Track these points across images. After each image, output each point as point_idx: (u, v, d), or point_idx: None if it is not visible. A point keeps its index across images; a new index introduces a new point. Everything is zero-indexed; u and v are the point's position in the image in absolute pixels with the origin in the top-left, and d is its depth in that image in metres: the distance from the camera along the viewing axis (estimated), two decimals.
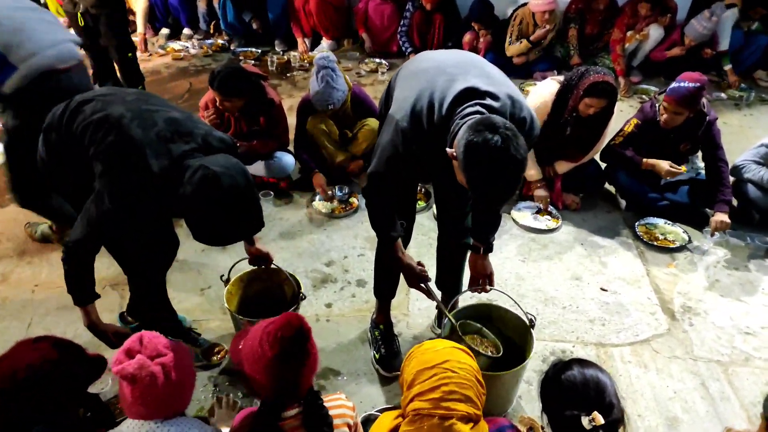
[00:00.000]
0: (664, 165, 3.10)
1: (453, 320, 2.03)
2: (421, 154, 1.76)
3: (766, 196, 3.14)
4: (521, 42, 4.89)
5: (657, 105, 3.10)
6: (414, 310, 2.67)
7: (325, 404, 1.51)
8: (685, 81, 2.93)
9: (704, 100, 3.03)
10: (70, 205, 2.16)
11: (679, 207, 3.27)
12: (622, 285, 2.86)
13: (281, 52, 5.50)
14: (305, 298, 2.31)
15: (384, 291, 2.38)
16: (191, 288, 2.75)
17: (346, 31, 5.71)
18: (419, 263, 2.02)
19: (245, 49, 5.56)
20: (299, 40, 5.48)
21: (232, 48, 5.63)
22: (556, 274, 2.92)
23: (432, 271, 2.28)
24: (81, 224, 1.79)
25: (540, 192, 3.32)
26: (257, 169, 3.40)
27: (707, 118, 3.04)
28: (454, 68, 1.77)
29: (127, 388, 1.37)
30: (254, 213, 1.73)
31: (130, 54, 4.09)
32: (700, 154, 3.26)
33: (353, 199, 3.41)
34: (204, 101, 3.35)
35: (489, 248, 2.12)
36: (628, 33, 4.82)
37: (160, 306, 2.22)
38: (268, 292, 2.41)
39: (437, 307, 2.48)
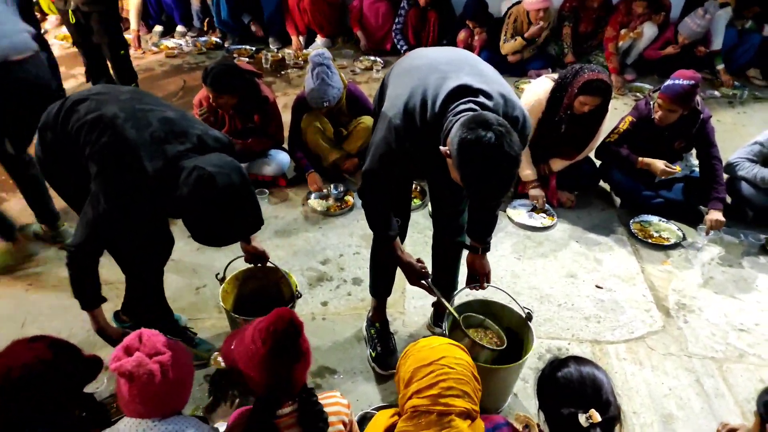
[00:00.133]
0: (659, 164, 3.12)
1: (456, 314, 2.03)
2: (415, 151, 1.76)
3: (759, 193, 3.16)
4: (516, 39, 4.90)
5: (652, 103, 3.11)
6: (410, 308, 2.67)
7: (320, 402, 1.51)
8: (680, 78, 2.94)
9: (698, 97, 3.05)
10: (69, 204, 2.15)
11: (674, 204, 3.28)
12: (617, 282, 2.87)
13: (275, 50, 5.48)
14: (301, 296, 2.31)
15: (380, 289, 2.38)
16: (186, 287, 2.74)
17: (340, 28, 5.69)
18: (419, 260, 2.02)
19: (239, 46, 5.53)
20: (293, 38, 5.47)
21: (226, 45, 5.61)
22: (551, 272, 2.93)
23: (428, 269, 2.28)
24: (80, 227, 1.79)
25: (535, 192, 3.32)
26: (252, 167, 3.39)
27: (701, 115, 3.05)
28: (446, 66, 1.77)
29: (124, 386, 1.37)
30: (252, 211, 1.73)
31: (122, 52, 4.06)
32: (694, 151, 3.28)
33: (348, 197, 3.40)
34: (198, 98, 3.34)
35: (486, 248, 2.12)
36: (622, 31, 4.84)
37: (156, 306, 2.22)
38: (263, 291, 2.40)
39: (433, 304, 2.50)
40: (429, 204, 3.19)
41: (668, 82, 2.99)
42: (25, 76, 2.33)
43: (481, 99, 1.65)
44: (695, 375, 2.38)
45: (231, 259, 2.31)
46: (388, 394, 2.25)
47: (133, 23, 5.13)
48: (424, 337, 1.89)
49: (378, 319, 2.43)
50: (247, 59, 5.26)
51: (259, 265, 2.29)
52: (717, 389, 2.32)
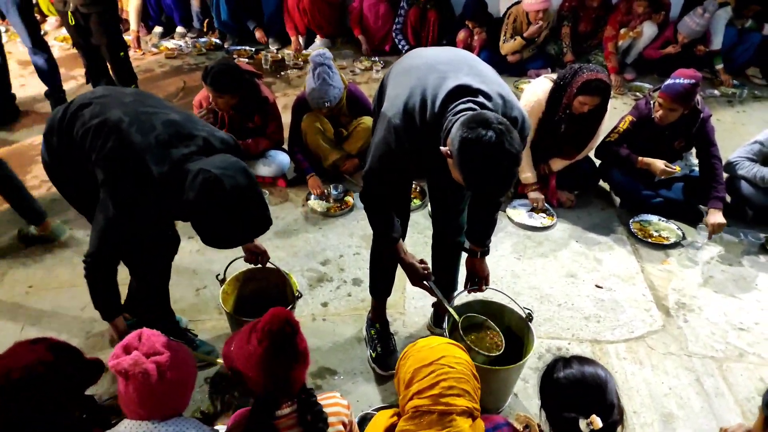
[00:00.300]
0: (659, 164, 3.12)
1: (456, 317, 2.04)
2: (414, 151, 1.76)
3: (759, 192, 3.16)
4: (515, 39, 4.90)
5: (652, 102, 3.11)
6: (410, 308, 2.67)
7: (319, 402, 1.51)
8: (680, 77, 2.94)
9: (698, 97, 3.04)
10: (75, 207, 2.15)
11: (673, 204, 3.28)
12: (617, 282, 2.87)
13: (275, 50, 5.48)
14: (301, 297, 2.31)
15: (380, 289, 2.38)
16: (186, 288, 2.74)
17: (340, 29, 5.69)
18: (421, 261, 2.03)
19: (239, 47, 5.54)
20: (293, 38, 5.47)
21: (225, 46, 5.61)
22: (551, 272, 2.93)
23: None
24: (93, 236, 1.80)
25: (534, 195, 3.32)
26: (251, 167, 3.39)
27: (701, 115, 3.05)
28: (445, 66, 1.77)
29: (122, 385, 1.37)
30: (260, 211, 1.71)
31: (122, 53, 4.07)
32: (693, 151, 3.27)
33: (348, 198, 3.40)
34: (198, 99, 3.34)
35: (486, 251, 2.13)
36: (622, 30, 4.84)
37: (159, 307, 2.22)
38: (263, 292, 2.40)
39: (434, 304, 2.50)
40: (429, 204, 3.19)
41: (669, 81, 2.98)
42: None
43: (481, 99, 1.66)
44: (695, 374, 2.38)
45: (231, 260, 2.31)
46: (389, 395, 2.25)
47: (133, 24, 5.14)
48: (424, 337, 1.89)
49: (378, 320, 2.43)
50: (246, 60, 5.26)
51: (259, 265, 2.29)
52: (717, 388, 2.32)
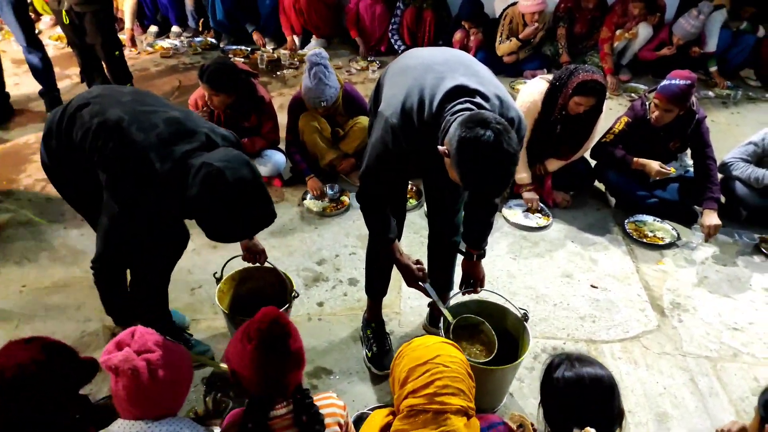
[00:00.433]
0: (654, 165, 3.13)
1: (450, 318, 2.04)
2: (412, 150, 1.76)
3: (753, 193, 3.18)
4: (511, 40, 4.91)
5: (647, 103, 3.13)
6: (406, 308, 2.67)
7: (315, 403, 1.50)
8: (676, 78, 2.95)
9: (693, 98, 3.06)
10: (75, 208, 2.14)
11: (668, 204, 3.29)
12: (612, 282, 2.88)
13: (271, 50, 5.48)
14: (297, 296, 2.31)
15: (375, 289, 2.38)
16: (182, 287, 2.73)
17: (336, 29, 5.69)
18: (417, 261, 2.02)
19: (234, 47, 5.52)
20: (289, 38, 5.46)
21: (221, 46, 5.59)
22: (546, 272, 2.93)
23: None
24: (99, 238, 1.79)
25: (528, 195, 3.33)
26: None
27: (696, 116, 3.07)
28: (442, 66, 1.77)
29: (113, 382, 1.37)
30: (264, 203, 1.71)
31: (117, 52, 4.05)
32: (688, 151, 3.29)
33: (344, 198, 3.40)
34: (193, 98, 3.33)
35: (482, 254, 2.13)
36: (617, 32, 4.85)
37: (157, 307, 2.20)
38: (260, 291, 2.39)
39: (430, 304, 2.50)
40: (425, 204, 3.19)
41: (664, 82, 3.00)
42: None
43: (478, 99, 1.66)
44: (690, 374, 2.39)
45: (227, 258, 2.31)
46: (384, 395, 2.25)
47: (128, 23, 5.12)
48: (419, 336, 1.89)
49: (374, 319, 2.43)
50: (242, 59, 5.25)
51: (256, 264, 2.29)
52: (711, 388, 2.33)
